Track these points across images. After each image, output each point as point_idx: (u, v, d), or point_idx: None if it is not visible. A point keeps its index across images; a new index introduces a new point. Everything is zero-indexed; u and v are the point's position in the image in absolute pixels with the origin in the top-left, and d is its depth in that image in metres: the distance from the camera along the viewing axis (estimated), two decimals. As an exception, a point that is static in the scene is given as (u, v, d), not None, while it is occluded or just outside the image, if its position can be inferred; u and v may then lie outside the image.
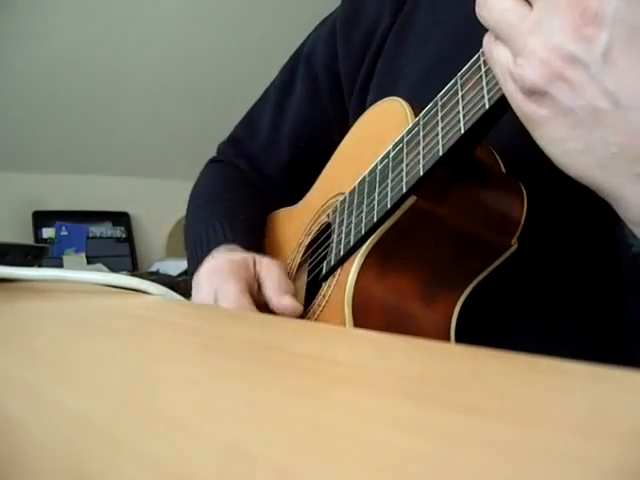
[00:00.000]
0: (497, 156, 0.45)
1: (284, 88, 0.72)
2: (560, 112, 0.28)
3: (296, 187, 0.66)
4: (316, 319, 0.47)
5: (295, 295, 0.56)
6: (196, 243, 0.62)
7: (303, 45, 0.72)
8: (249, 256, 0.54)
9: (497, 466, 0.11)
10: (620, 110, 0.27)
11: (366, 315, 0.42)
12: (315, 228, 0.57)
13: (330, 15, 0.70)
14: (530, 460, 0.11)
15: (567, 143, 0.29)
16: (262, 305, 0.51)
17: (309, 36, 0.72)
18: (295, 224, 0.62)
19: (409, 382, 0.18)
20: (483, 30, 0.36)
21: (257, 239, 0.63)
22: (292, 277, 0.58)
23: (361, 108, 0.59)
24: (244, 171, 0.75)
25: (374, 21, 0.62)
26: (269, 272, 0.52)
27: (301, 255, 0.58)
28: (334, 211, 0.52)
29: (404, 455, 0.12)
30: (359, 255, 0.43)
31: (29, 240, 1.84)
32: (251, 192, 0.73)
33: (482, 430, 0.13)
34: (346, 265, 0.45)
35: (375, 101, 0.53)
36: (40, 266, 0.58)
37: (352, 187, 0.49)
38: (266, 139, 0.73)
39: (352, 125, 0.58)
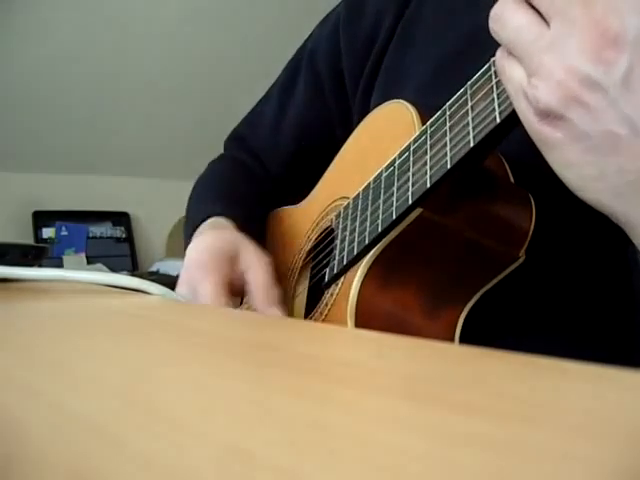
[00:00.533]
0: (506, 164, 0.44)
1: (287, 86, 0.71)
2: (576, 136, 0.28)
3: (298, 184, 0.65)
4: None
5: (289, 300, 0.56)
6: (188, 221, 0.62)
7: (306, 42, 0.71)
8: (232, 248, 0.51)
9: (497, 466, 0.11)
10: (638, 137, 0.26)
11: (369, 327, 0.42)
12: (318, 232, 0.56)
13: (333, 10, 0.68)
14: (530, 460, 0.11)
15: (581, 168, 0.28)
16: (242, 298, 0.51)
17: (312, 33, 0.71)
18: (297, 225, 0.62)
19: (409, 382, 0.18)
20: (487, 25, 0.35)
21: (249, 215, 0.62)
22: (294, 280, 0.58)
23: (366, 107, 0.58)
24: (248, 164, 0.74)
25: (378, 18, 0.61)
26: (255, 275, 0.50)
27: (303, 259, 0.58)
28: (337, 216, 0.51)
29: (404, 455, 0.12)
30: (362, 265, 0.42)
31: (29, 240, 1.84)
32: (252, 178, 0.72)
33: (482, 430, 0.13)
34: (349, 275, 0.45)
35: (380, 101, 0.52)
36: (40, 266, 0.58)
37: (356, 193, 0.48)
38: (268, 137, 0.72)
39: (357, 125, 0.57)
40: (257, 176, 0.73)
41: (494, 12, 0.31)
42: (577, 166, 0.28)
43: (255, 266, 0.50)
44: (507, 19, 0.30)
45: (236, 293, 0.50)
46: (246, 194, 0.66)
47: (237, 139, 0.77)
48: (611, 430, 0.13)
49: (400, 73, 0.57)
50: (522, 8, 0.30)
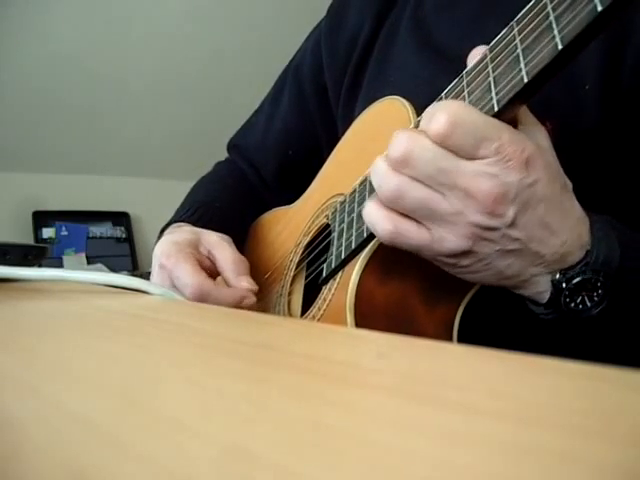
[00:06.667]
0: None
1: (275, 98, 0.75)
2: (480, 258, 0.37)
3: (289, 192, 0.68)
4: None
5: (284, 298, 0.56)
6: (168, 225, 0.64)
7: (294, 56, 0.75)
8: (193, 236, 0.55)
9: (497, 466, 0.11)
10: (526, 247, 0.36)
11: (368, 320, 0.41)
12: (314, 229, 0.56)
13: (318, 25, 0.72)
14: (530, 460, 0.11)
15: (480, 274, 0.38)
16: (217, 276, 0.52)
17: (301, 46, 0.74)
18: (293, 223, 0.62)
19: (409, 382, 0.18)
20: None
21: (228, 228, 0.63)
22: (290, 279, 0.58)
23: (349, 117, 0.59)
24: (246, 172, 0.77)
25: (356, 30, 0.64)
26: (221, 250, 0.53)
27: (299, 255, 0.57)
28: (333, 212, 0.51)
29: (404, 455, 0.12)
30: (361, 258, 0.42)
31: (29, 240, 1.84)
32: (242, 187, 0.75)
33: (482, 430, 0.13)
34: (347, 268, 0.45)
35: (363, 110, 0.54)
36: (40, 266, 0.58)
37: (352, 188, 0.48)
38: (258, 147, 0.77)
39: (341, 133, 0.58)
40: (252, 188, 0.76)
41: (396, 187, 0.36)
42: (478, 273, 0.38)
43: (219, 244, 0.54)
44: (408, 191, 0.36)
45: (207, 270, 0.52)
46: (227, 208, 0.69)
47: (234, 147, 0.81)
48: (611, 430, 0.13)
49: (382, 84, 0.59)
50: (418, 183, 0.36)
